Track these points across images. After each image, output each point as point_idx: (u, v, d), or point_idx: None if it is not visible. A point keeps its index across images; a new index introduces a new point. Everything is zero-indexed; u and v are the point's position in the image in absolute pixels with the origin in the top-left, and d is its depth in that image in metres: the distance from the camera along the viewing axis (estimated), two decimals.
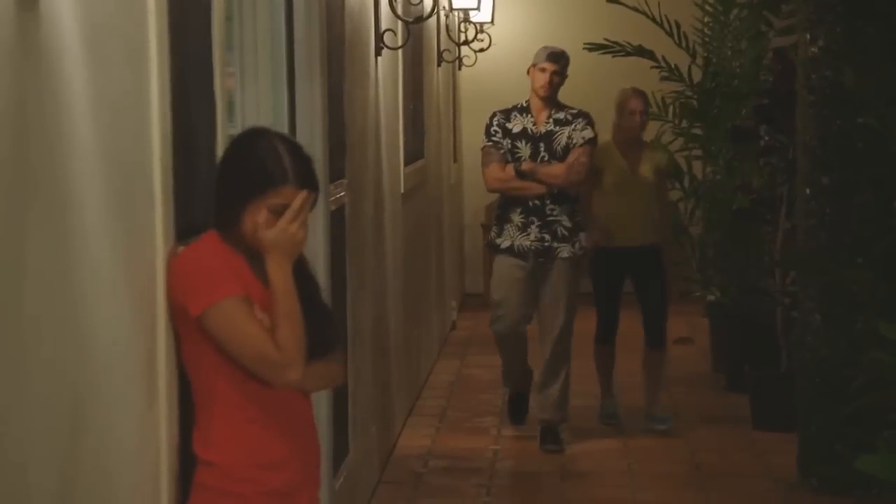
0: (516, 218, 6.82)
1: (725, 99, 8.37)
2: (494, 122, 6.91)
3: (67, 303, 2.33)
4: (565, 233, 6.80)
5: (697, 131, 8.66)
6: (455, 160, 11.32)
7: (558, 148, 6.83)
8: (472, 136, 12.34)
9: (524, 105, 6.94)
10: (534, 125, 6.86)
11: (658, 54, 8.25)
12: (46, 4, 2.17)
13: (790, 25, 7.04)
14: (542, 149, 6.83)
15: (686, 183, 8.67)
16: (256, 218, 2.90)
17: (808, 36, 6.18)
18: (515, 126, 6.87)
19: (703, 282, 8.70)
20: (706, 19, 8.78)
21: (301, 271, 2.99)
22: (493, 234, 6.98)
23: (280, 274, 2.90)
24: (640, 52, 8.13)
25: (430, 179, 9.24)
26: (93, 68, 2.42)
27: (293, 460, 2.96)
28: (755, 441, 7.01)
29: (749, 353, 7.69)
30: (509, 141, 6.85)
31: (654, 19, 8.36)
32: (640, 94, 7.31)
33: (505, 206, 6.91)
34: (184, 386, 2.95)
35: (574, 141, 6.80)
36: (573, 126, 6.84)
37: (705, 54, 8.66)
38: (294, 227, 2.90)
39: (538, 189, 6.76)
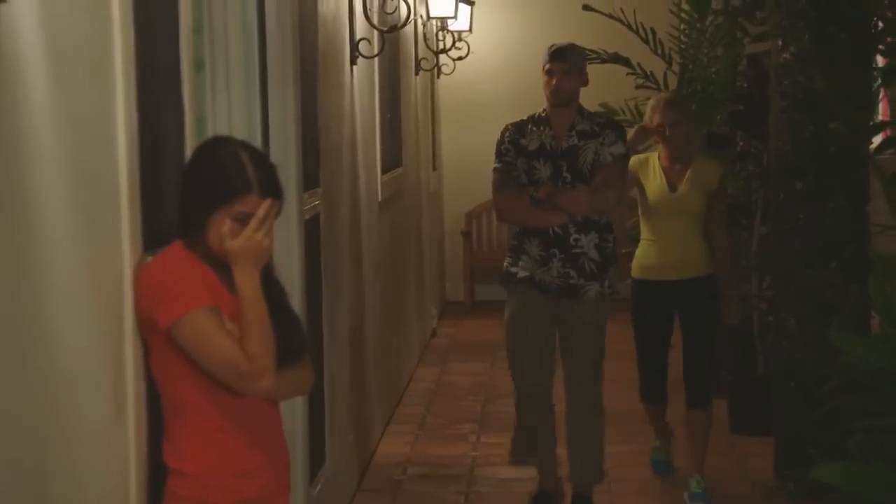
0: (534, 250, 5.65)
1: (700, 105, 8.35)
2: (506, 139, 5.70)
3: (30, 313, 2.30)
4: (594, 268, 5.62)
5: None
6: (434, 168, 11.32)
7: (584, 167, 5.61)
8: (452, 144, 12.37)
9: (541, 115, 5.72)
10: (553, 140, 5.64)
11: (634, 61, 8.23)
12: (6, 17, 2.15)
13: (764, 32, 7.03)
14: (564, 168, 5.62)
15: None
16: (221, 227, 2.89)
17: (780, 42, 6.19)
18: (532, 142, 5.66)
19: None
20: (682, 26, 8.78)
21: (267, 277, 2.98)
22: (507, 263, 5.76)
23: (248, 282, 2.88)
24: (616, 59, 8.12)
25: (409, 187, 9.23)
26: (56, 79, 2.40)
27: (265, 468, 2.95)
28: (733, 445, 7.01)
29: (726, 358, 7.69)
30: (525, 160, 5.64)
31: (629, 26, 8.35)
32: (670, 103, 6.18)
33: (521, 235, 5.70)
34: (152, 397, 2.93)
35: (601, 157, 5.60)
36: (600, 139, 5.62)
37: (681, 61, 8.65)
38: (259, 236, 2.89)
39: (559, 219, 5.59)
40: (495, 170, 5.68)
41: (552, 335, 5.70)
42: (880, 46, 5.76)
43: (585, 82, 5.73)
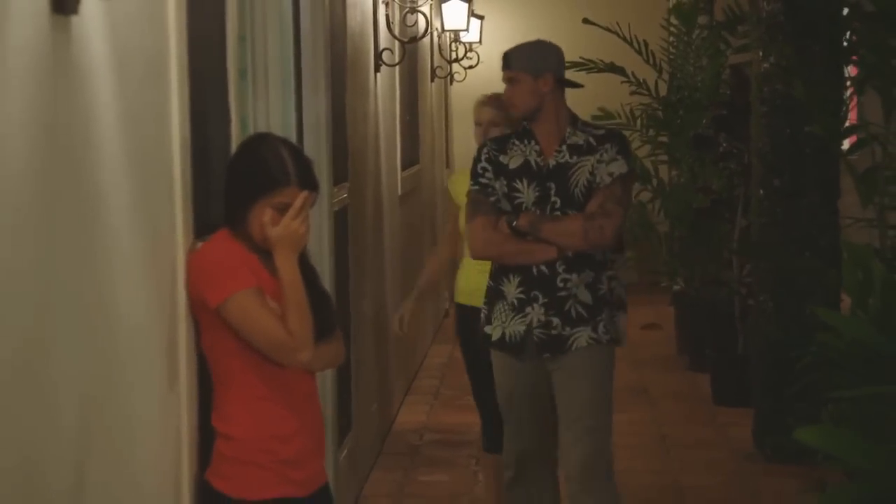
0: (511, 291, 4.10)
1: (688, 110, 8.38)
2: (482, 157, 4.16)
3: (97, 295, 2.33)
4: (582, 312, 4.08)
5: (663, 139, 8.66)
6: (447, 166, 11.34)
7: (576, 189, 4.09)
8: (463, 145, 12.36)
9: (526, 127, 4.16)
10: (539, 156, 4.12)
11: (628, 70, 8.25)
12: (78, 27, 2.18)
13: (746, 44, 7.04)
14: (552, 191, 4.10)
15: (654, 185, 8.68)
16: (262, 216, 2.91)
17: (760, 53, 6.19)
18: (513, 159, 4.12)
19: (668, 273, 8.71)
20: (671, 39, 8.79)
21: (303, 262, 3.00)
22: (482, 315, 4.21)
23: (287, 266, 2.90)
24: (612, 68, 8.13)
25: (425, 183, 9.25)
26: (120, 84, 2.42)
27: (302, 433, 2.96)
28: (715, 415, 7.02)
29: (710, 337, 7.71)
30: (504, 181, 4.12)
31: (624, 39, 8.37)
32: (489, 101, 4.74)
33: (498, 275, 4.15)
34: (202, 368, 2.96)
35: (598, 178, 4.08)
36: (598, 155, 4.09)
37: (670, 70, 8.67)
38: (297, 224, 2.90)
39: (546, 255, 4.06)
40: (468, 193, 4.17)
41: (542, 400, 4.18)
42: (853, 58, 5.76)
43: (557, 85, 4.12)
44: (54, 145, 2.09)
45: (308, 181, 2.95)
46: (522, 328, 4.11)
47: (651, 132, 8.69)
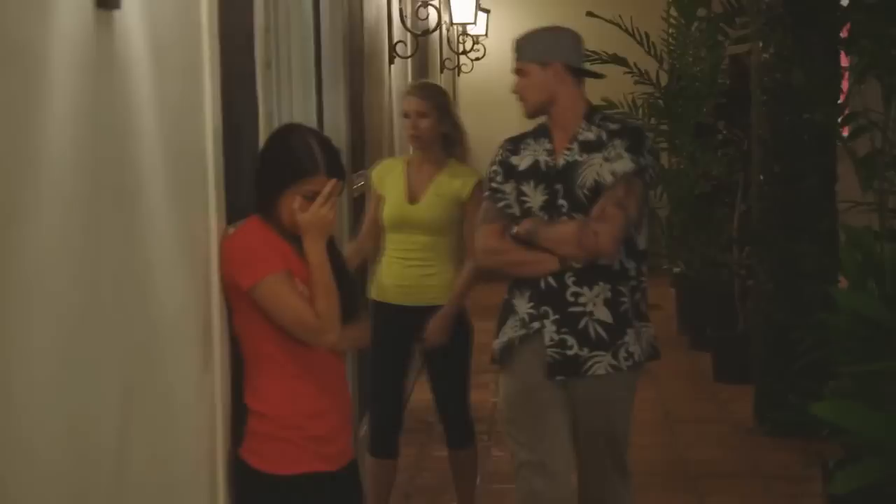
0: (522, 306, 3.62)
1: (688, 99, 8.37)
2: (496, 158, 3.69)
3: (136, 277, 2.33)
4: (602, 333, 3.54)
5: (664, 127, 8.65)
6: None
7: (581, 191, 3.54)
8: (469, 133, 12.35)
9: (544, 124, 3.67)
10: (549, 155, 3.60)
11: (630, 61, 8.23)
12: (120, 23, 2.18)
13: (744, 35, 7.02)
14: (560, 194, 3.56)
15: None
16: (292, 203, 2.91)
17: (760, 44, 6.18)
18: (525, 159, 3.62)
19: (670, 256, 8.71)
20: (671, 31, 8.78)
21: (331, 248, 3.00)
22: (495, 332, 3.78)
23: (316, 251, 2.90)
24: (615, 59, 8.11)
25: None
26: (157, 76, 2.42)
27: (332, 410, 2.96)
28: (716, 392, 7.03)
29: (710, 318, 7.71)
30: (514, 184, 3.63)
31: (627, 31, 8.35)
32: (418, 89, 4.49)
33: (512, 288, 3.69)
34: (235, 349, 2.96)
35: (603, 179, 3.53)
36: (606, 152, 3.54)
37: (671, 61, 8.65)
38: (325, 210, 2.90)
39: (549, 266, 3.54)
40: (485, 199, 3.73)
41: (560, 419, 3.63)
42: (853, 47, 5.74)
43: (571, 75, 3.61)
44: (98, 136, 2.09)
45: (336, 169, 2.95)
46: (535, 347, 3.57)
47: (653, 121, 8.67)
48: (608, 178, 3.51)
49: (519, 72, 3.61)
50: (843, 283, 4.74)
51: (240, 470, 2.91)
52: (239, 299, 2.89)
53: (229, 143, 2.96)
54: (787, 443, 5.87)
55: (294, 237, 2.94)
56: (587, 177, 3.52)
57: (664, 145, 8.82)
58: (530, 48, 3.62)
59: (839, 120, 5.64)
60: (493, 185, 3.65)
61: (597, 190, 3.51)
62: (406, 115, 4.38)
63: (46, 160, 1.85)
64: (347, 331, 2.96)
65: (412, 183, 4.39)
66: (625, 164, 3.51)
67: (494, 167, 3.66)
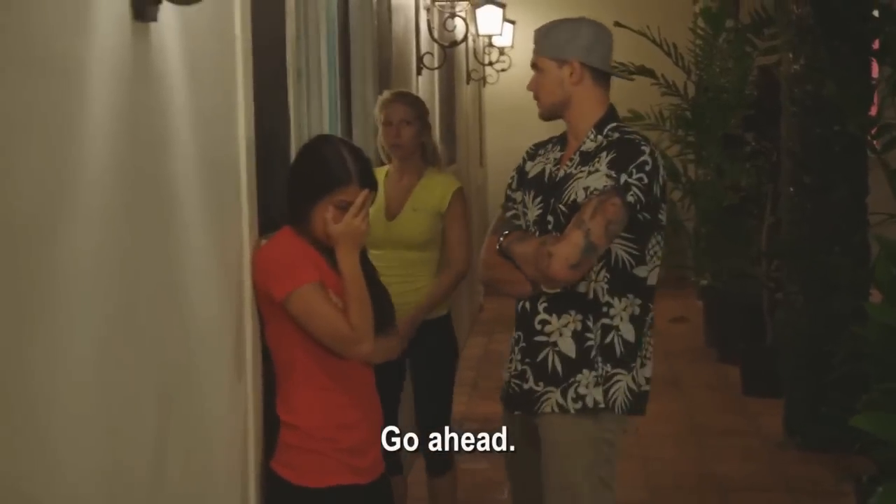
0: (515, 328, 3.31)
1: (715, 110, 8.35)
2: (518, 164, 3.39)
3: (171, 288, 2.34)
4: (558, 367, 3.16)
5: (691, 138, 8.63)
6: (481, 164, 11.32)
7: (561, 205, 3.17)
8: (495, 144, 12.36)
9: (566, 130, 3.31)
10: (556, 165, 3.26)
11: (658, 73, 8.21)
12: (156, 34, 2.19)
13: (772, 46, 7.00)
14: (550, 207, 3.22)
15: (683, 183, 8.66)
16: (325, 214, 2.91)
17: (791, 55, 6.16)
18: (535, 167, 3.31)
19: (697, 269, 8.68)
20: (699, 42, 8.75)
21: (363, 258, 3.00)
22: None
23: (349, 262, 2.90)
24: (643, 71, 8.09)
25: (461, 180, 9.22)
26: (192, 86, 2.43)
27: (362, 422, 2.96)
28: (745, 405, 6.99)
29: (738, 330, 7.68)
30: (522, 193, 3.33)
31: (654, 42, 8.32)
32: (400, 97, 4.27)
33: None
34: (267, 360, 2.96)
35: (577, 195, 3.15)
36: (591, 165, 3.15)
37: (698, 72, 8.64)
38: (358, 221, 2.90)
39: (519, 286, 3.21)
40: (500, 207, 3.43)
41: (535, 460, 3.24)
42: (887, 58, 5.72)
43: (592, 75, 3.23)
44: (135, 147, 2.09)
45: (368, 180, 2.95)
46: (506, 376, 3.28)
47: (680, 132, 8.65)
48: (581, 195, 3.11)
49: (534, 66, 3.24)
50: (876, 296, 4.70)
51: (272, 481, 2.91)
52: (272, 310, 2.89)
53: (261, 153, 2.97)
54: (818, 457, 5.83)
55: (326, 248, 2.94)
56: (570, 192, 3.14)
57: (691, 156, 8.80)
58: (547, 41, 3.22)
59: (872, 132, 5.61)
60: (508, 192, 3.35)
61: (574, 208, 3.11)
62: (388, 123, 4.18)
63: (85, 171, 1.86)
64: (380, 342, 2.96)
65: (390, 197, 4.23)
66: (598, 180, 3.09)
67: (512, 173, 3.36)
